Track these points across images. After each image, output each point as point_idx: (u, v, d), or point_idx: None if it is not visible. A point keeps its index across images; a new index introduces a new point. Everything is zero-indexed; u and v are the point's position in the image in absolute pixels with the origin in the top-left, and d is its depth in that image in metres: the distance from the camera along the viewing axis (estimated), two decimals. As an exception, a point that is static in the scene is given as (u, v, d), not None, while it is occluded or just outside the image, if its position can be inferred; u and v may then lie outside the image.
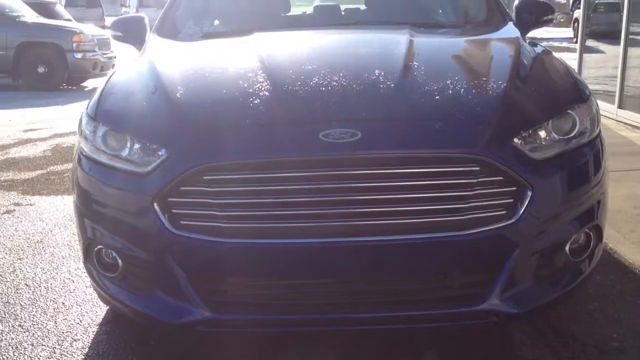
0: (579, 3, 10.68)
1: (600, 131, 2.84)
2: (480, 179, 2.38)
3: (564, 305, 3.01)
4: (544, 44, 24.18)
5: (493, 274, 2.46)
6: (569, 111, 2.66)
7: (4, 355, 2.89)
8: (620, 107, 8.28)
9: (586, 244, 2.69)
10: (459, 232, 2.38)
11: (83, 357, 2.88)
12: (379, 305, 2.51)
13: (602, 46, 9.80)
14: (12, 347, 2.95)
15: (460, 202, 2.37)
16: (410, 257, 2.42)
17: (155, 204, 2.44)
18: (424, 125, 2.51)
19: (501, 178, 2.40)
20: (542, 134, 2.55)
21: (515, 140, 2.48)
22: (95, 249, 2.72)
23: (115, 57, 13.99)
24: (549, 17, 3.98)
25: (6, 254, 4.07)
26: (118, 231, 2.60)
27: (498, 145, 2.43)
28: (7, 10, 13.34)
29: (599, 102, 8.72)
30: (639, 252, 3.90)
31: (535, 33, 35.57)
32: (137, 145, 2.57)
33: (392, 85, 2.67)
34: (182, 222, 2.43)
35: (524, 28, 3.88)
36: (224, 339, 2.85)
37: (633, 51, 8.30)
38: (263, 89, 2.67)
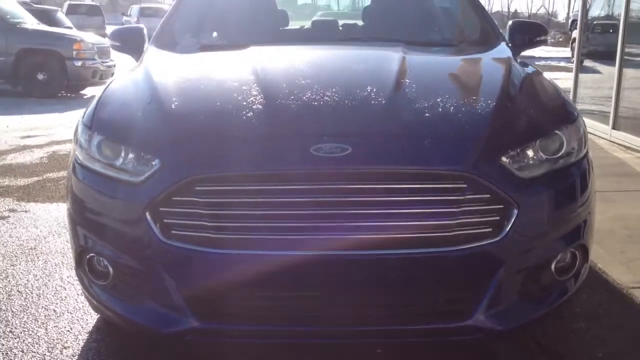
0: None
1: (587, 151, 2.89)
2: (467, 196, 2.42)
3: (550, 323, 3.04)
4: (542, 63, 24.10)
5: (479, 290, 2.49)
6: (556, 131, 2.70)
7: (-6, 360, 2.92)
8: (614, 127, 8.34)
9: (572, 263, 2.72)
10: (445, 248, 2.41)
11: (72, 364, 2.91)
12: (365, 319, 2.53)
13: (599, 66, 9.88)
14: (2, 354, 2.97)
15: (447, 219, 2.41)
16: (397, 272, 2.45)
17: (147, 214, 2.47)
18: (413, 141, 2.55)
19: (488, 196, 2.44)
20: (530, 153, 2.59)
21: (503, 158, 2.52)
22: (87, 256, 2.74)
23: (114, 66, 14.05)
24: (542, 38, 4.04)
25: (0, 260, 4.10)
26: (110, 239, 2.63)
27: (485, 164, 2.47)
28: (7, 16, 13.40)
29: (593, 123, 8.81)
30: (628, 272, 3.93)
31: (534, 52, 35.76)
32: (131, 155, 2.61)
33: (383, 101, 2.71)
34: (173, 231, 2.46)
35: (517, 48, 3.95)
36: (215, 347, 2.87)
37: (628, 72, 8.36)
38: (256, 102, 2.71)
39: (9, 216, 5.03)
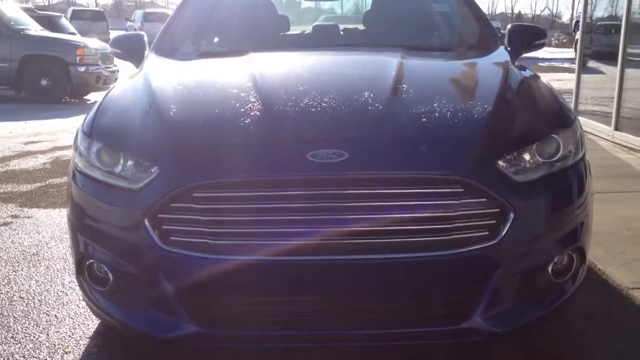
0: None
1: (584, 154, 2.90)
2: (464, 200, 2.43)
3: (548, 325, 3.04)
4: (546, 64, 24.08)
5: (476, 293, 2.50)
6: (553, 135, 2.72)
7: (-4, 366, 2.94)
8: (616, 129, 8.34)
9: (569, 266, 2.73)
10: (442, 251, 2.43)
11: (73, 369, 2.93)
12: (364, 322, 2.55)
13: (602, 67, 9.87)
14: (4, 359, 2.99)
15: (444, 223, 2.42)
16: (395, 275, 2.46)
17: (146, 220, 2.49)
18: (409, 146, 2.56)
19: (484, 200, 2.45)
20: (526, 157, 2.61)
21: (499, 162, 2.53)
22: (87, 263, 2.76)
23: (118, 71, 14.10)
24: (541, 41, 4.05)
25: (2, 266, 4.12)
26: (109, 246, 2.65)
27: (482, 168, 2.48)
28: (12, 23, 13.49)
29: (595, 124, 8.81)
30: (628, 273, 3.94)
31: (538, 53, 35.72)
32: (130, 162, 2.63)
33: (380, 107, 2.73)
34: (171, 238, 2.48)
35: (516, 52, 3.96)
36: (213, 352, 2.89)
37: (630, 73, 8.36)
38: (254, 109, 2.73)
39: (11, 222, 5.06)
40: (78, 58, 13.11)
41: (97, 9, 41.68)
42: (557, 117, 2.93)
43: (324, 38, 4.50)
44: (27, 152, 7.97)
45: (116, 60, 14.44)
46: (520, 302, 2.60)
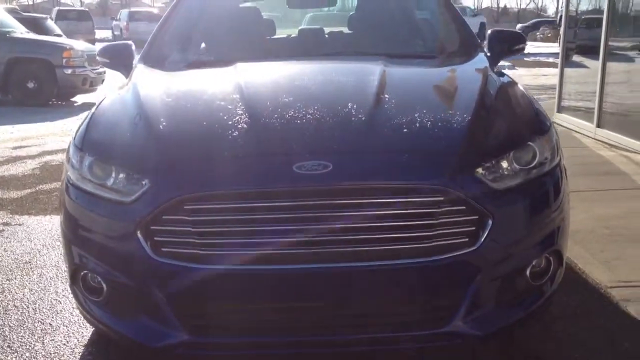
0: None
1: (560, 159, 3.00)
2: (444, 209, 2.53)
3: (528, 326, 3.15)
4: (532, 59, 24.11)
5: (457, 297, 2.60)
6: (529, 143, 2.82)
7: (-7, 375, 3.01)
8: (598, 125, 8.40)
9: (546, 268, 2.84)
10: (424, 258, 2.52)
11: (69, 376, 3.01)
12: (348, 328, 2.65)
13: (586, 61, 9.88)
14: (1, 368, 3.08)
15: (425, 230, 2.52)
16: (378, 282, 2.56)
17: (138, 232, 2.58)
18: (391, 157, 2.66)
19: (464, 207, 2.55)
20: (504, 164, 2.71)
21: (478, 170, 2.63)
22: (81, 273, 2.85)
23: (104, 72, 14.11)
24: (520, 46, 4.15)
25: (-5, 274, 4.20)
26: (103, 257, 2.74)
27: (461, 177, 2.58)
28: (-4, 25, 13.49)
29: (578, 121, 8.86)
30: (607, 272, 4.04)
31: (527, 49, 35.81)
32: (121, 175, 2.71)
33: (363, 118, 2.82)
34: (163, 249, 2.57)
35: (496, 57, 4.06)
36: None
37: (611, 68, 8.39)
38: (241, 121, 2.82)
39: (3, 230, 5.12)
40: (64, 60, 13.12)
41: (82, 8, 41.51)
42: (534, 124, 3.03)
43: (310, 44, 4.58)
44: (16, 157, 8.02)
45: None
46: (500, 305, 2.70)
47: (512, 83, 3.53)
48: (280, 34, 5.30)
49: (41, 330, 3.43)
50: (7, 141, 9.13)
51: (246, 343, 2.65)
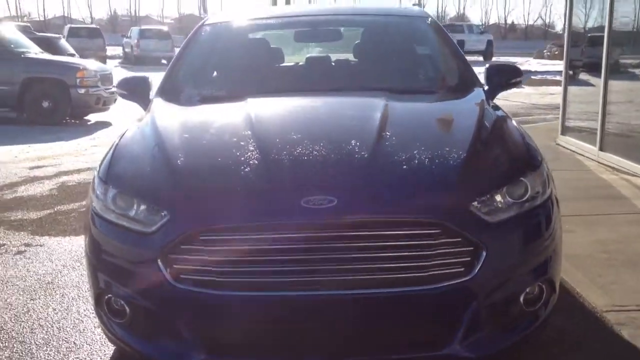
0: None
1: (552, 192, 3.20)
2: (441, 240, 2.75)
3: (524, 349, 3.33)
4: (539, 77, 24.08)
5: (454, 323, 2.81)
6: (521, 178, 3.03)
7: (22, 391, 3.22)
8: (601, 149, 8.46)
9: (539, 296, 3.04)
10: (422, 286, 2.74)
11: (93, 393, 3.22)
12: (354, 349, 2.85)
13: (592, 80, 9.69)
14: (29, 384, 3.29)
15: (423, 261, 2.74)
16: (381, 308, 2.77)
17: (158, 260, 2.80)
18: (392, 192, 2.88)
19: (459, 239, 2.77)
20: (497, 198, 2.92)
21: (474, 204, 2.85)
22: (106, 297, 3.07)
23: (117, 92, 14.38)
24: (517, 79, 4.38)
25: (20, 294, 4.42)
26: (126, 283, 2.96)
27: (457, 211, 2.80)
28: (12, 46, 13.82)
29: (581, 143, 8.91)
30: (603, 296, 4.22)
31: (530, 67, 35.60)
32: (142, 207, 2.94)
33: (366, 155, 3.05)
34: (181, 276, 2.79)
35: (494, 90, 4.30)
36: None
37: (615, 87, 8.39)
38: (252, 157, 3.05)
39: (25, 250, 5.35)
40: (78, 80, 13.41)
41: (93, 26, 42.03)
42: (525, 160, 3.25)
43: (317, 75, 4.79)
44: (33, 177, 8.26)
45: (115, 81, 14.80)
46: (495, 330, 2.91)
47: (506, 119, 3.74)
48: (289, 60, 5.56)
49: (66, 348, 3.65)
50: (24, 161, 9.39)
51: (260, 363, 2.87)
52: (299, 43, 5.81)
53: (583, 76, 10.21)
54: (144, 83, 4.41)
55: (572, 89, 10.19)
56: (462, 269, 2.77)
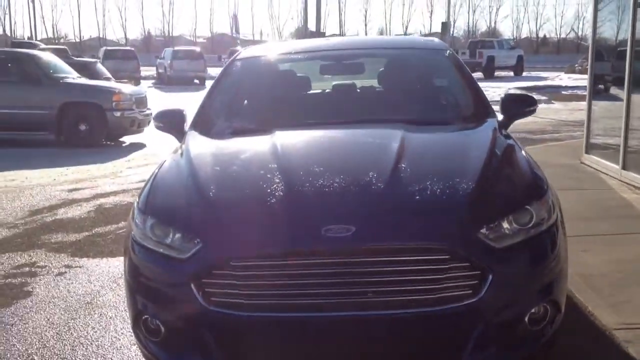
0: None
1: (557, 217, 3.41)
2: (450, 265, 2.98)
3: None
4: (569, 92, 23.93)
5: (462, 341, 3.04)
6: (527, 207, 3.25)
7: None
8: (623, 167, 8.50)
9: (544, 316, 3.24)
10: (433, 307, 2.97)
11: (130, 406, 3.50)
12: None
13: (622, 94, 9.22)
14: (72, 398, 3.57)
15: (434, 284, 2.97)
16: (396, 327, 3.02)
17: (192, 284, 3.08)
18: (406, 221, 3.13)
19: (468, 264, 3.00)
20: (504, 225, 3.15)
21: (481, 231, 3.08)
22: (143, 317, 3.35)
23: (151, 114, 14.83)
24: (532, 108, 4.59)
25: (62, 313, 4.73)
26: (161, 304, 3.25)
27: (465, 238, 3.04)
28: (51, 71, 14.33)
29: (605, 162, 8.90)
30: (613, 314, 4.38)
31: (561, 82, 35.35)
32: (177, 235, 3.23)
33: (382, 186, 3.30)
34: (212, 298, 3.06)
35: (509, 118, 4.53)
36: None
37: (638, 103, 8.37)
38: (278, 189, 3.32)
39: (65, 272, 5.68)
40: (114, 104, 13.87)
41: (128, 48, 42.84)
42: (532, 189, 3.47)
43: (342, 105, 5.07)
44: (72, 200, 8.63)
45: (149, 103, 15.28)
46: (501, 348, 3.12)
47: (515, 148, 3.95)
48: (316, 86, 5.85)
49: (105, 365, 3.94)
50: (63, 183, 9.78)
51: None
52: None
53: (613, 90, 10.12)
54: (179, 116, 4.72)
55: (600, 104, 10.12)
56: (470, 292, 3.00)
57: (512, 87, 31.65)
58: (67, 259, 6.06)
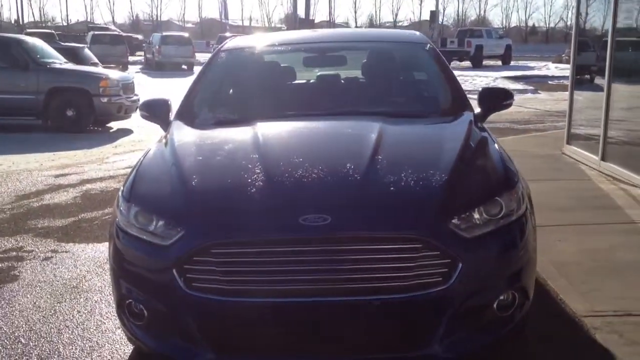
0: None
1: (526, 208, 3.54)
2: (422, 254, 3.11)
3: (503, 349, 3.68)
4: (555, 82, 24.06)
5: (433, 326, 3.17)
6: (497, 198, 3.38)
7: (52, 385, 3.63)
8: (603, 159, 8.67)
9: (512, 302, 3.38)
10: (405, 294, 3.10)
11: (114, 387, 3.62)
12: (342, 350, 3.22)
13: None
14: (58, 379, 3.69)
15: (406, 272, 3.10)
16: (368, 313, 3.14)
17: (174, 270, 3.19)
18: (380, 211, 3.25)
19: (438, 253, 3.13)
20: (475, 215, 3.28)
21: (452, 221, 3.21)
22: (127, 302, 3.47)
23: (139, 100, 14.86)
24: (508, 102, 4.73)
25: (48, 297, 4.83)
26: (144, 289, 3.36)
27: (436, 228, 3.17)
28: (38, 56, 14.33)
29: (584, 153, 9.05)
30: (584, 302, 4.52)
31: (548, 72, 35.50)
32: (160, 223, 3.34)
33: (358, 177, 3.42)
34: (193, 284, 3.17)
35: (486, 111, 4.66)
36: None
37: (618, 95, 8.52)
38: (258, 179, 3.44)
39: (52, 256, 5.78)
40: (101, 89, 13.91)
41: (116, 33, 42.62)
42: (502, 181, 3.59)
43: (321, 98, 5.19)
44: (59, 185, 8.71)
45: (137, 89, 15.32)
46: (470, 333, 3.26)
47: (488, 141, 4.08)
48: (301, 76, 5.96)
49: (89, 347, 4.05)
50: (50, 169, 9.85)
51: (263, 360, 3.25)
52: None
53: (598, 81, 10.06)
54: (165, 106, 4.83)
55: (583, 95, 10.25)
56: (440, 279, 3.13)
57: (500, 76, 31.89)
58: (54, 244, 6.16)
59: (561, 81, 28.90)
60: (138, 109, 5.01)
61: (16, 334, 4.24)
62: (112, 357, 3.93)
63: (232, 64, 5.43)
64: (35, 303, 4.74)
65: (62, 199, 7.98)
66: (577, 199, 7.37)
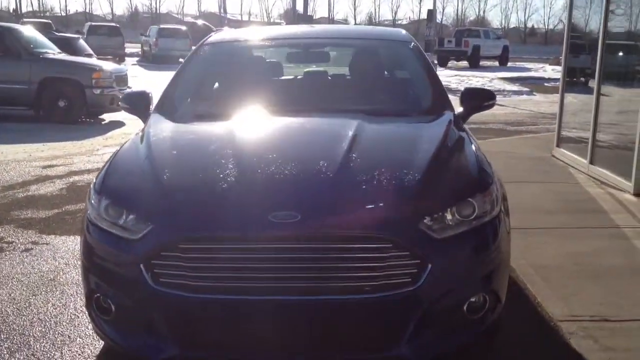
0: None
1: (500, 210, 3.51)
2: (391, 254, 3.08)
3: (474, 354, 3.65)
4: (551, 84, 24.04)
5: (401, 327, 3.14)
6: (469, 199, 3.35)
7: (19, 378, 3.59)
8: (591, 162, 8.68)
9: (483, 305, 3.36)
10: (373, 294, 3.07)
11: (82, 382, 3.59)
12: (309, 348, 3.20)
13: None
14: (26, 372, 3.66)
15: (375, 271, 3.07)
16: (335, 312, 3.12)
17: (141, 265, 3.16)
18: (350, 210, 3.22)
19: (408, 253, 3.10)
20: (447, 216, 3.25)
21: (423, 222, 3.18)
22: (95, 296, 3.43)
23: (131, 93, 14.80)
24: (491, 102, 4.71)
25: (23, 290, 4.80)
26: (112, 283, 3.33)
27: (406, 228, 3.14)
28: (31, 46, 14.28)
29: (573, 156, 9.06)
30: (562, 306, 4.49)
31: (545, 74, 35.42)
32: (130, 217, 3.30)
33: (331, 175, 3.38)
34: (161, 279, 3.14)
35: (468, 111, 4.63)
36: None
37: (607, 98, 8.50)
38: (230, 175, 3.41)
39: (32, 248, 5.74)
40: (94, 81, 13.86)
41: (113, 24, 42.50)
42: (476, 182, 3.56)
43: (303, 91, 5.16)
44: (45, 176, 8.66)
45: (130, 82, 15.27)
46: (439, 335, 3.23)
47: (466, 142, 4.05)
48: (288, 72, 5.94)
49: (61, 341, 4.01)
50: (38, 159, 9.80)
51: (228, 357, 3.22)
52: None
53: (592, 84, 9.83)
54: (145, 99, 4.79)
55: (577, 98, 10.18)
56: (409, 280, 3.10)
57: (496, 77, 31.84)
58: (35, 235, 6.12)
59: (557, 83, 28.70)
60: (120, 101, 4.97)
61: (-12, 326, 4.20)
62: (82, 352, 3.89)
63: (215, 58, 5.39)
64: (10, 295, 4.70)
65: (48, 190, 7.93)
66: (564, 202, 7.35)
